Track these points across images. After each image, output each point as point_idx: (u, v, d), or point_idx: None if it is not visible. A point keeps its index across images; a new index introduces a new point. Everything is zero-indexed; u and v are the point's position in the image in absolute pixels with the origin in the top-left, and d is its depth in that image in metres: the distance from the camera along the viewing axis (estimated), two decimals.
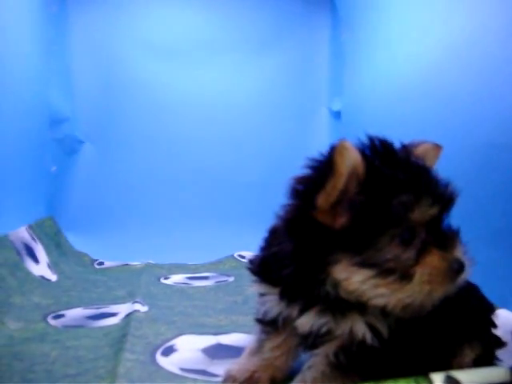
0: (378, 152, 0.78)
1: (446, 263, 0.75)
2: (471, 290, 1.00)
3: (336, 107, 2.66)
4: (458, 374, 0.69)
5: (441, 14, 1.65)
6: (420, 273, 0.74)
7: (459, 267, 0.76)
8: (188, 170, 2.65)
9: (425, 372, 0.72)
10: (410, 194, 0.74)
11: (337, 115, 2.66)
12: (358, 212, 0.74)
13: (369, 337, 0.81)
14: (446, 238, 0.78)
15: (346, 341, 0.82)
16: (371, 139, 0.80)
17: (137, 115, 2.66)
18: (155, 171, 2.65)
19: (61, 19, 2.50)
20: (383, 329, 0.81)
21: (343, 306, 0.80)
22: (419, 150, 0.84)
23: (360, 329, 0.81)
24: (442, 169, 1.57)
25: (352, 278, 0.75)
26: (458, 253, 0.78)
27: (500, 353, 1.00)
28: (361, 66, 2.33)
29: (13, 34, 1.89)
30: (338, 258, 0.75)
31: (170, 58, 2.66)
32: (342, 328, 0.82)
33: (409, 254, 0.75)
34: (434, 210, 0.76)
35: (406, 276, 0.74)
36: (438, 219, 0.78)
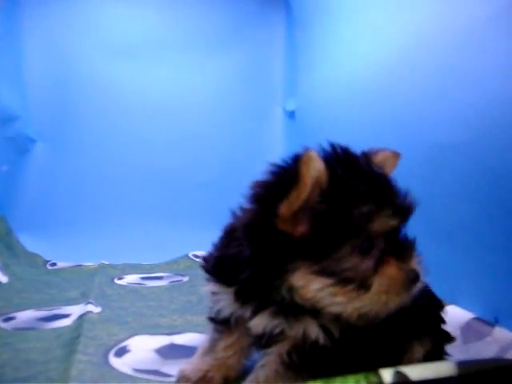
0: (340, 161, 0.78)
1: (403, 273, 0.77)
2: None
3: (290, 107, 2.68)
4: (406, 370, 0.70)
5: (392, 14, 1.68)
6: (378, 283, 0.76)
7: (415, 277, 0.78)
8: (142, 169, 2.64)
9: (374, 368, 0.73)
10: (370, 205, 0.75)
11: (291, 115, 2.68)
12: (318, 221, 0.75)
13: (322, 338, 0.82)
14: (403, 249, 0.80)
15: (299, 341, 0.83)
16: (333, 147, 0.80)
17: (90, 114, 2.63)
18: (108, 171, 2.62)
19: (11, 15, 2.45)
20: (335, 330, 0.82)
21: (297, 309, 0.81)
22: (378, 158, 0.85)
23: (313, 331, 0.82)
24: (396, 168, 1.59)
25: (310, 286, 0.76)
26: (414, 263, 0.79)
27: (449, 348, 1.03)
28: (314, 66, 2.35)
29: None
30: (296, 266, 0.75)
31: (125, 57, 2.64)
32: (295, 330, 0.83)
33: (367, 264, 0.76)
34: (393, 221, 0.77)
35: (363, 286, 0.75)
36: (397, 230, 0.80)
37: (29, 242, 2.35)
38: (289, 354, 0.84)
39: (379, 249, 0.77)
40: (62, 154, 2.60)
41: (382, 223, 0.76)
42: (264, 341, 0.87)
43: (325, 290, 0.75)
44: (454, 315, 1.22)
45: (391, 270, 0.77)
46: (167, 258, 2.28)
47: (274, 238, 0.76)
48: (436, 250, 1.37)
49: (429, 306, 1.01)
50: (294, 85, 2.63)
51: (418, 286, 0.79)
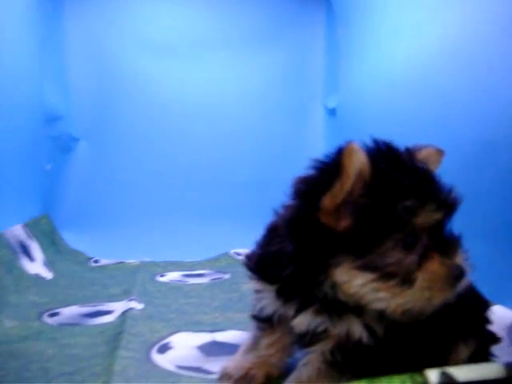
0: (383, 155, 0.78)
1: (447, 269, 0.76)
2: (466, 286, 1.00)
3: (331, 104, 2.65)
4: (453, 371, 0.69)
5: (435, 11, 1.66)
6: (421, 278, 0.75)
7: (459, 274, 0.77)
8: (183, 167, 2.65)
9: (420, 369, 0.72)
10: (414, 199, 0.74)
11: (332, 112, 2.66)
12: (362, 215, 0.74)
13: (365, 337, 0.81)
14: (447, 244, 0.78)
15: (343, 340, 0.83)
16: (376, 142, 0.80)
17: (132, 113, 2.65)
18: (150, 169, 2.64)
19: (55, 17, 2.48)
20: (379, 329, 0.81)
21: (340, 306, 0.80)
22: (422, 155, 0.84)
23: (357, 329, 0.81)
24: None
25: (353, 281, 0.75)
26: (459, 259, 0.78)
27: (495, 349, 1.01)
28: (356, 64, 2.33)
29: (7, 32, 1.88)
30: (339, 261, 0.75)
31: (166, 56, 2.65)
32: (339, 328, 0.82)
33: (411, 259, 0.75)
34: (437, 216, 0.76)
35: (406, 281, 0.75)
36: (441, 225, 0.79)
37: (72, 240, 2.39)
38: (332, 352, 0.84)
39: (423, 244, 0.76)
40: (105, 153, 2.64)
41: (426, 217, 0.75)
42: (307, 339, 0.86)
43: (368, 285, 0.75)
44: (500, 316, 1.19)
45: (435, 266, 0.76)
46: (208, 256, 2.28)
47: (317, 233, 0.76)
48: (481, 248, 1.33)
49: (474, 306, 0.99)
50: (334, 82, 2.61)
51: (463, 283, 0.77)
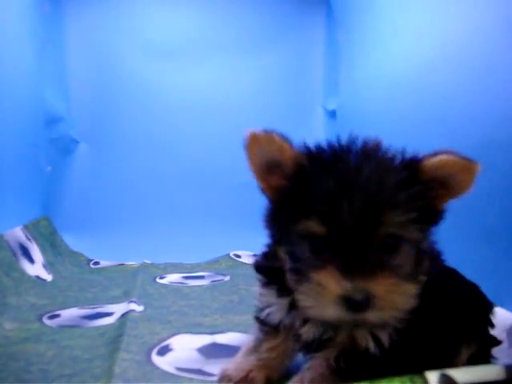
0: (324, 154, 0.80)
1: (338, 289, 0.69)
2: (470, 288, 1.00)
3: (331, 106, 2.66)
4: (452, 372, 0.69)
5: (435, 13, 1.66)
6: (304, 286, 0.73)
7: (355, 301, 0.68)
8: (183, 169, 2.65)
9: (420, 370, 0.72)
10: (306, 205, 0.73)
11: (332, 114, 2.66)
12: (281, 195, 0.79)
13: (372, 346, 0.80)
14: (356, 265, 0.69)
15: (347, 347, 0.82)
16: (338, 141, 0.83)
17: (132, 115, 2.65)
18: (150, 171, 2.64)
19: (55, 18, 2.49)
20: (384, 338, 0.81)
21: None
22: (429, 164, 0.76)
23: (363, 338, 0.81)
24: None
25: None
26: (369, 287, 0.69)
27: (495, 351, 1.01)
28: (355, 66, 2.33)
29: (6, 33, 1.88)
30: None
31: (166, 58, 2.66)
32: (344, 336, 0.82)
33: (304, 263, 0.75)
34: (316, 229, 0.72)
35: (297, 283, 0.75)
36: (353, 241, 0.71)
37: (72, 242, 2.39)
38: (336, 359, 0.83)
39: (322, 251, 0.73)
40: (105, 155, 2.64)
41: (304, 226, 0.73)
42: (313, 346, 0.86)
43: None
44: (500, 318, 1.19)
45: (322, 279, 0.71)
46: (208, 258, 2.28)
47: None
48: (481, 249, 1.34)
49: (478, 309, 0.99)
50: (334, 84, 2.61)
51: (366, 317, 0.70)
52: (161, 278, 1.95)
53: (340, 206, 0.70)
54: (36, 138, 2.29)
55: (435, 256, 0.87)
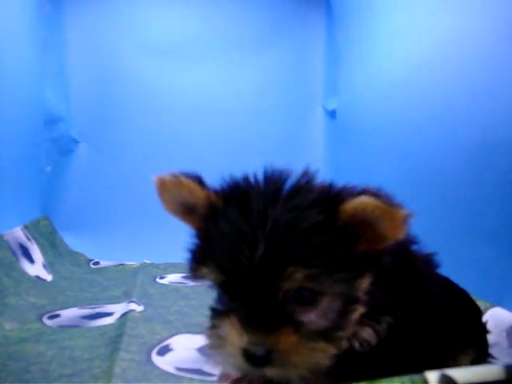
0: (233, 197, 0.73)
1: (235, 342, 0.65)
2: (462, 296, 1.00)
3: (331, 106, 2.66)
4: (453, 373, 0.69)
5: (435, 13, 1.66)
6: (210, 331, 0.71)
7: (246, 358, 0.64)
8: (183, 168, 2.65)
9: (420, 370, 0.72)
10: (205, 250, 0.73)
11: (332, 114, 2.66)
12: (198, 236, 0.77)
13: (356, 344, 0.79)
14: (259, 318, 0.65)
15: None
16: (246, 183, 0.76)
17: (132, 114, 2.65)
18: (150, 170, 2.61)
19: (55, 18, 2.49)
20: (369, 336, 0.79)
21: None
22: (348, 206, 0.66)
23: None
24: (439, 168, 1.58)
25: None
26: (265, 341, 0.64)
27: (495, 351, 1.01)
28: (355, 66, 2.33)
29: (6, 33, 1.88)
30: None
31: (166, 58, 2.66)
32: None
33: (217, 306, 0.73)
34: (216, 277, 0.69)
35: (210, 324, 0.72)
36: (258, 292, 0.65)
37: (72, 241, 2.39)
38: None
39: (228, 303, 0.70)
40: (105, 155, 2.63)
41: (200, 273, 0.72)
42: None
43: None
44: (500, 317, 1.19)
45: (224, 327, 0.67)
46: None
47: None
48: (480, 250, 1.34)
49: (470, 316, 0.99)
50: (334, 84, 2.61)
51: (267, 370, 0.64)
52: (161, 278, 1.95)
53: (238, 256, 0.65)
54: (36, 138, 2.29)
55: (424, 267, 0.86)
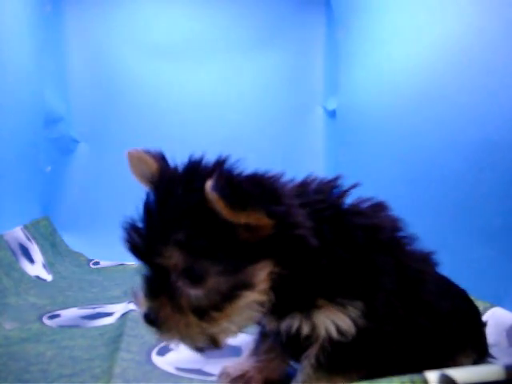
0: (164, 175, 0.81)
1: (140, 304, 0.76)
2: (461, 296, 1.00)
3: (331, 106, 2.65)
4: (453, 373, 0.69)
5: (435, 12, 1.66)
6: None
7: (144, 319, 0.75)
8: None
9: (420, 370, 0.72)
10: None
11: (332, 114, 2.66)
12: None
13: (334, 332, 0.79)
14: (153, 288, 0.74)
15: (324, 342, 0.82)
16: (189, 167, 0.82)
17: (132, 114, 2.65)
18: None
19: (55, 18, 2.49)
20: (345, 323, 0.78)
21: (307, 305, 0.79)
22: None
23: (322, 327, 0.79)
24: (438, 168, 1.58)
25: None
26: (146, 306, 0.74)
27: (495, 351, 1.01)
28: (356, 65, 2.33)
29: (6, 33, 1.88)
30: None
31: (166, 58, 2.66)
32: (308, 327, 0.81)
33: None
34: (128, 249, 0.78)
35: None
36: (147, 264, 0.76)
37: (72, 242, 2.39)
38: (316, 356, 0.83)
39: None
40: (105, 155, 2.63)
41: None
42: (293, 346, 0.86)
43: None
44: (500, 317, 1.19)
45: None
46: None
47: None
48: (480, 250, 1.34)
49: (470, 316, 1.00)
50: (334, 84, 2.61)
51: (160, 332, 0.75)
52: None
53: (134, 234, 0.76)
54: (36, 138, 2.29)
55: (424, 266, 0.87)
